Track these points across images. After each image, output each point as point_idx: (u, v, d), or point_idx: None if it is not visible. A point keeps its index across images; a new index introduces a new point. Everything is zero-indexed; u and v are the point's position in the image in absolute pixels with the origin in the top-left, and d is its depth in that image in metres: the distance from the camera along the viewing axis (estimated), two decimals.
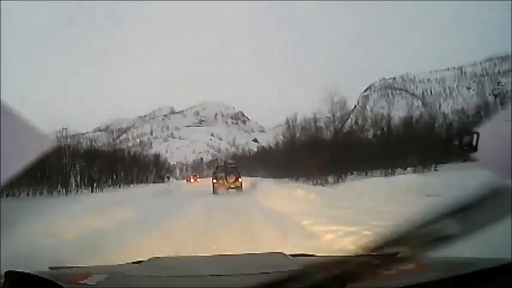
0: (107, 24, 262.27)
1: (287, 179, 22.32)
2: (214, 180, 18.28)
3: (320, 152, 17.83)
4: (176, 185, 25.62)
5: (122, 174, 32.51)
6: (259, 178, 26.20)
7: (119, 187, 27.47)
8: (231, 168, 19.29)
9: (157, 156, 39.98)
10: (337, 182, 16.46)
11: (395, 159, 18.24)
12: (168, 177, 46.81)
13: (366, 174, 17.89)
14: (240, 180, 18.33)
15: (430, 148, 17.82)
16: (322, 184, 16.17)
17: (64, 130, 26.38)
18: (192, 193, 16.06)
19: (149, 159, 37.48)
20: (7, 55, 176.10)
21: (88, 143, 29.56)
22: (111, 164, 28.57)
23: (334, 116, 19.66)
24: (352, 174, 18.54)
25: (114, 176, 28.09)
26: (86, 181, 22.73)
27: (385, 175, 15.99)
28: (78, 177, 22.30)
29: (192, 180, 44.37)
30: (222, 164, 20.87)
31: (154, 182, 36.08)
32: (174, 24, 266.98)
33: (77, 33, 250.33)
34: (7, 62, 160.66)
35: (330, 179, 17.39)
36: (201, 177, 49.32)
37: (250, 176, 30.57)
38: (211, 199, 12.39)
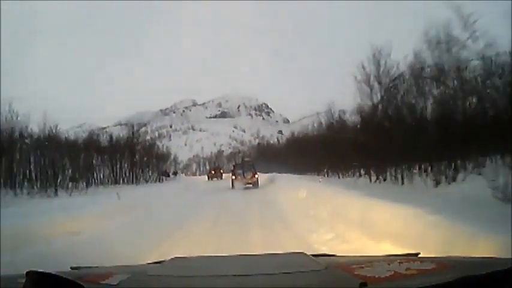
0: (128, 19, 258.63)
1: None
2: (233, 177, 19.18)
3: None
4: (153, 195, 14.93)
5: (102, 171, 23.21)
6: (295, 176, 19.26)
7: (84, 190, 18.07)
8: (248, 165, 20.14)
9: (152, 145, 29.78)
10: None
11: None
12: (176, 173, 37.50)
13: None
14: (256, 176, 18.98)
15: None
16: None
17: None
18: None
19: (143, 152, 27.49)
20: (30, 53, 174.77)
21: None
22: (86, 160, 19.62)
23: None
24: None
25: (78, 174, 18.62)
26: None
27: None
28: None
29: None
30: (240, 162, 22.10)
31: (146, 181, 26.32)
32: (195, 16, 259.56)
33: (97, 29, 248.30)
34: (30, 59, 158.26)
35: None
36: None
37: (279, 172, 23.59)
38: None
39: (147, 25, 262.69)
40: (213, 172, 32.92)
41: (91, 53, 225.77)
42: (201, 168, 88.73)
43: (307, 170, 24.00)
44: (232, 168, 21.57)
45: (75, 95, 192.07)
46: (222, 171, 33.80)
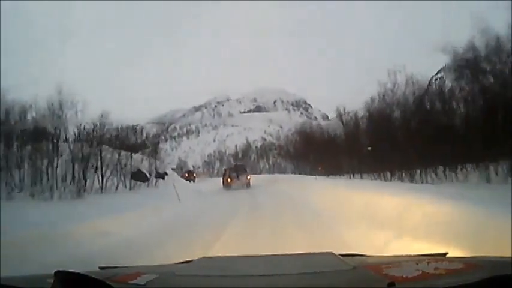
0: (162, 18, 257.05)
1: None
2: (229, 179, 21.41)
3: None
4: None
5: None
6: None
7: None
8: (241, 168, 23.08)
9: (132, 129, 18.72)
10: None
11: None
12: (163, 176, 26.66)
13: None
14: (248, 178, 21.77)
15: None
16: None
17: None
18: None
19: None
20: (65, 49, 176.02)
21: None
22: None
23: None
24: None
25: None
26: None
27: None
28: None
29: None
30: (233, 166, 25.30)
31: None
32: (230, 13, 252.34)
33: (134, 28, 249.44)
34: (66, 55, 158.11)
35: None
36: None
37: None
38: None
39: (183, 23, 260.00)
40: (186, 175, 35.89)
41: (123, 52, 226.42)
42: (223, 168, 77.68)
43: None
44: (223, 171, 23.22)
45: (112, 94, 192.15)
46: (195, 175, 38.63)
